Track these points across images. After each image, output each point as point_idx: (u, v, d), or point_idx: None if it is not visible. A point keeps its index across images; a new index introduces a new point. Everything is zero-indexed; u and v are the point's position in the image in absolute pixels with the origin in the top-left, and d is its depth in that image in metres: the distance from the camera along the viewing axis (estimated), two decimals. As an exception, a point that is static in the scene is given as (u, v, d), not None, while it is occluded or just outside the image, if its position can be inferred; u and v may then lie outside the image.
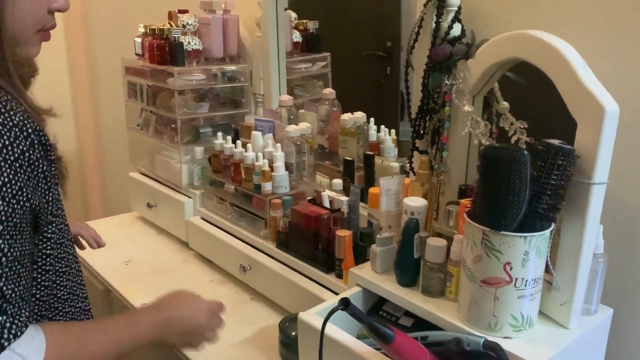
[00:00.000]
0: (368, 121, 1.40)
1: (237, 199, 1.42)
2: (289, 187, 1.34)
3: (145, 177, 1.77)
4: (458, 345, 0.80)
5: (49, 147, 0.67)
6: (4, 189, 0.60)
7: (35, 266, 0.72)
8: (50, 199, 0.69)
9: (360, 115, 1.40)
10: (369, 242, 1.10)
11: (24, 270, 0.65)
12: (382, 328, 0.76)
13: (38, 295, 0.74)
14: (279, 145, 1.36)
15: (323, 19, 1.63)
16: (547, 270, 0.84)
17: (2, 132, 0.61)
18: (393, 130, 1.40)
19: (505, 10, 1.02)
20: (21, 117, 0.63)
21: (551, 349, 0.81)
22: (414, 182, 1.07)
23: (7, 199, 0.61)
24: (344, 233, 1.11)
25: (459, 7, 1.02)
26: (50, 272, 0.75)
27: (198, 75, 1.55)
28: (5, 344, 0.61)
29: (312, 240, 1.18)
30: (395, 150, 1.39)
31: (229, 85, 1.64)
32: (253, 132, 1.43)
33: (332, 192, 1.24)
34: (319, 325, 0.86)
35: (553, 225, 0.80)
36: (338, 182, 1.27)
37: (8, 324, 0.62)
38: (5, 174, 0.60)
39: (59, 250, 0.75)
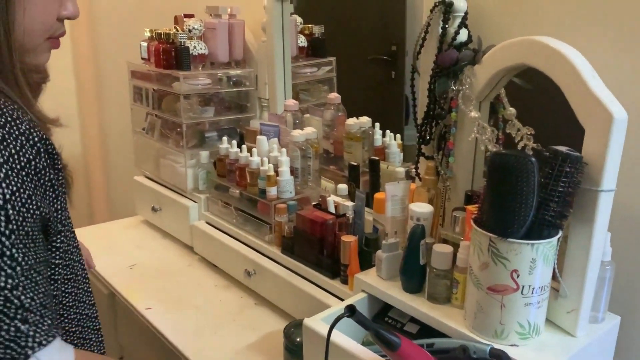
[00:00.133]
0: (373, 126, 1.40)
1: (242, 204, 1.42)
2: (294, 191, 1.34)
3: (151, 181, 1.77)
4: (464, 353, 0.80)
5: (55, 156, 0.66)
6: (13, 198, 0.60)
7: None
8: (58, 207, 0.69)
9: (365, 120, 1.40)
10: (374, 248, 1.10)
11: (41, 277, 0.64)
12: (388, 335, 0.75)
13: None
14: (284, 149, 1.36)
15: (328, 23, 1.64)
16: (554, 277, 0.83)
17: (9, 141, 0.60)
18: (398, 135, 1.40)
19: (513, 16, 1.02)
20: (27, 126, 0.63)
21: (558, 357, 0.81)
22: (420, 187, 1.07)
23: (16, 208, 0.60)
24: (349, 239, 1.10)
25: (466, 13, 1.01)
26: (59, 282, 0.74)
27: (204, 80, 1.55)
28: (30, 352, 0.61)
29: (317, 245, 1.18)
30: (400, 155, 1.39)
31: (234, 89, 1.64)
32: (258, 137, 1.43)
33: (337, 197, 1.24)
34: (324, 332, 0.86)
35: (560, 233, 0.80)
36: (343, 187, 1.27)
37: (31, 332, 0.61)
38: (13, 183, 0.60)
39: (66, 259, 0.75)
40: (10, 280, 0.60)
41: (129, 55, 1.79)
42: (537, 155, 0.78)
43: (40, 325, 0.62)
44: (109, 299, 1.49)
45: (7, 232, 0.59)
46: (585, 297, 0.83)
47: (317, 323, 0.92)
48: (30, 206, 0.62)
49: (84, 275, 0.80)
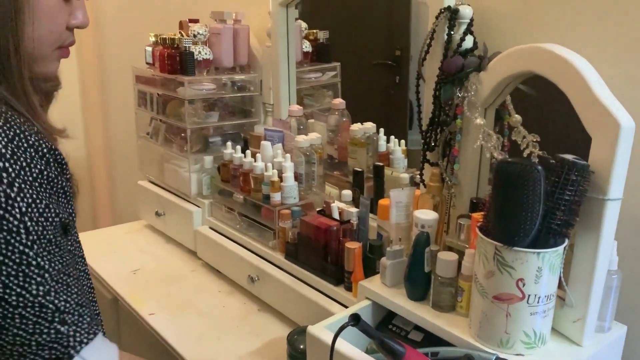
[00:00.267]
0: (378, 131, 1.39)
1: (246, 209, 1.42)
2: (298, 197, 1.33)
3: (154, 186, 1.77)
4: (469, 362, 0.79)
5: (64, 165, 0.67)
6: (30, 209, 0.61)
7: None
8: (70, 211, 0.70)
9: (370, 125, 1.40)
10: (378, 255, 1.09)
11: (71, 279, 0.66)
12: (393, 344, 0.75)
13: None
14: (288, 155, 1.36)
15: (332, 28, 1.64)
16: (560, 286, 0.82)
17: (18, 154, 0.61)
18: (403, 141, 1.39)
19: (518, 22, 1.02)
20: (36, 138, 0.64)
21: (564, 367, 0.80)
22: (425, 194, 1.07)
23: (35, 219, 0.61)
24: (353, 245, 1.10)
25: (471, 19, 1.01)
26: None
27: (208, 85, 1.55)
28: (72, 351, 0.64)
29: (321, 251, 1.18)
30: (405, 161, 1.38)
31: (238, 94, 1.64)
32: (262, 142, 1.43)
33: (341, 203, 1.24)
34: (328, 340, 0.85)
35: (567, 241, 0.79)
36: (347, 193, 1.26)
37: (72, 332, 0.64)
38: (28, 195, 0.61)
39: None
40: (41, 287, 0.62)
41: (133, 60, 1.79)
42: (543, 163, 0.78)
43: (79, 324, 0.65)
44: (112, 304, 1.49)
45: (29, 243, 0.61)
46: (592, 306, 0.83)
47: (321, 331, 0.92)
48: (49, 214, 0.63)
49: (89, 285, 0.81)
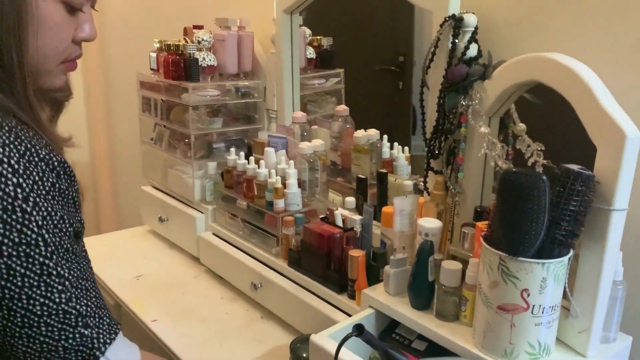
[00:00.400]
0: (381, 137, 1.39)
1: (249, 216, 1.42)
2: (302, 204, 1.33)
3: (158, 191, 1.77)
4: (473, 373, 0.79)
5: (72, 177, 0.68)
6: (46, 222, 0.63)
7: None
8: (79, 218, 0.72)
9: (373, 132, 1.40)
10: (382, 263, 1.09)
11: (90, 283, 0.69)
12: (397, 355, 0.74)
13: None
14: (291, 162, 1.36)
15: (336, 34, 1.64)
16: (564, 296, 0.82)
17: (31, 169, 0.62)
18: (406, 148, 1.39)
19: (523, 31, 1.02)
20: (46, 151, 0.65)
21: (569, 378, 0.79)
22: (429, 202, 1.06)
23: (51, 230, 0.63)
24: (357, 253, 1.10)
25: (476, 28, 1.01)
26: None
27: (212, 91, 1.56)
28: (97, 353, 0.67)
29: (324, 259, 1.17)
30: (408, 168, 1.38)
31: (242, 101, 1.64)
32: (266, 149, 1.43)
33: (344, 210, 1.23)
34: (332, 349, 0.85)
35: (571, 252, 0.79)
36: (351, 200, 1.26)
37: (95, 334, 0.68)
38: (43, 208, 0.63)
39: None
40: (63, 295, 0.65)
41: (138, 66, 1.79)
42: (548, 173, 0.78)
43: (101, 326, 0.69)
44: (115, 310, 1.49)
45: (48, 254, 0.63)
46: (597, 316, 0.82)
47: (325, 340, 0.92)
48: (63, 225, 0.65)
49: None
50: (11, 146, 0.61)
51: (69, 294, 0.65)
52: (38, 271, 0.62)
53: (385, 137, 1.39)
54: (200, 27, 1.62)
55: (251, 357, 1.18)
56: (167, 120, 1.66)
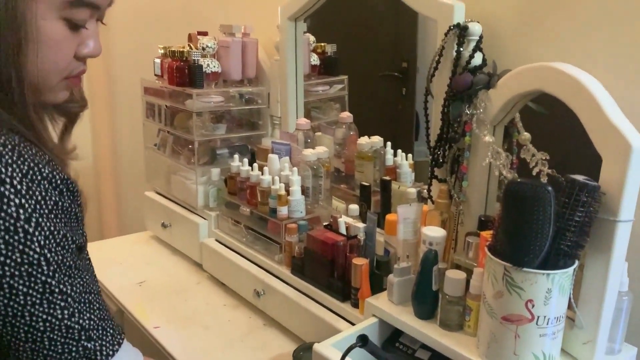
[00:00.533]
0: (385, 144, 1.39)
1: (252, 222, 1.42)
2: (305, 211, 1.33)
3: (161, 197, 1.77)
4: (477, 384, 0.78)
5: (76, 193, 0.68)
6: (48, 241, 0.63)
7: None
8: (82, 232, 0.71)
9: (377, 139, 1.39)
10: (385, 271, 1.08)
11: (93, 296, 0.69)
12: (400, 365, 0.74)
13: None
14: (295, 168, 1.36)
15: (340, 40, 1.64)
16: (569, 307, 0.81)
17: (33, 189, 0.62)
18: (410, 155, 1.39)
19: (528, 40, 1.02)
20: (49, 169, 0.64)
21: (574, 390, 0.79)
22: (433, 211, 1.06)
23: (53, 249, 0.64)
24: (360, 262, 1.09)
25: (481, 36, 1.01)
26: None
27: (216, 97, 1.56)
28: None
29: (327, 267, 1.17)
30: (412, 175, 1.38)
31: (246, 107, 1.65)
32: (270, 155, 1.43)
33: (348, 218, 1.23)
34: (335, 358, 0.85)
35: (577, 263, 0.78)
36: (354, 207, 1.26)
37: (98, 347, 0.68)
38: (45, 228, 0.63)
39: None
40: (65, 311, 0.65)
41: (142, 72, 1.80)
42: (553, 183, 0.77)
43: (104, 338, 0.69)
44: (117, 316, 1.48)
45: (50, 273, 0.63)
46: (602, 328, 0.82)
47: (328, 349, 0.91)
48: (66, 243, 0.65)
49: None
50: (14, 166, 0.61)
51: (71, 309, 0.66)
52: (40, 289, 0.63)
53: (389, 144, 1.39)
54: (204, 34, 1.62)
55: (254, 364, 1.17)
56: (171, 126, 1.66)
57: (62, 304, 0.65)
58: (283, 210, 1.31)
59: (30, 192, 0.62)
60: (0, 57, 0.63)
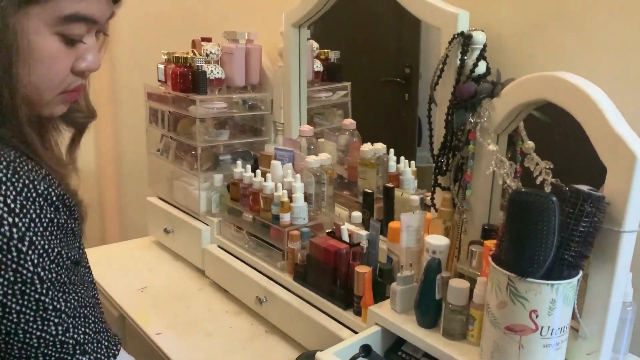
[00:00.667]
0: (388, 151, 1.39)
1: (255, 229, 1.42)
2: (308, 218, 1.33)
3: (164, 203, 1.77)
4: (481, 395, 0.78)
5: (72, 208, 0.68)
6: (41, 260, 0.63)
7: None
8: (79, 245, 0.71)
9: (380, 146, 1.39)
10: (388, 279, 1.08)
11: (88, 310, 0.69)
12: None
13: None
14: (298, 175, 1.35)
15: (342, 46, 1.64)
16: (573, 317, 0.81)
17: (28, 206, 0.61)
18: (413, 162, 1.39)
19: (532, 49, 1.02)
20: (45, 185, 0.64)
21: (578, 401, 0.78)
22: (436, 219, 1.06)
23: (47, 267, 0.63)
24: (363, 270, 1.09)
25: (485, 45, 1.01)
26: None
27: (219, 104, 1.56)
28: None
29: (330, 274, 1.17)
30: (415, 182, 1.38)
31: (249, 113, 1.65)
32: (273, 162, 1.43)
33: (351, 225, 1.23)
34: (338, 368, 0.84)
35: (581, 273, 0.78)
36: (357, 215, 1.25)
37: (93, 359, 0.68)
38: (39, 247, 0.62)
39: None
40: (60, 327, 0.65)
41: (145, 77, 1.80)
42: (557, 192, 0.77)
43: (99, 351, 0.69)
44: (119, 322, 1.48)
45: (44, 291, 0.63)
46: (606, 338, 0.81)
47: (331, 358, 0.91)
48: (60, 259, 0.65)
49: (95, 295, 0.80)
50: (8, 184, 0.60)
51: (65, 325, 0.65)
52: (34, 307, 0.62)
53: (392, 150, 1.39)
54: (208, 40, 1.62)
55: (255, 372, 1.17)
56: (174, 131, 1.66)
57: (56, 320, 0.64)
58: (286, 217, 1.31)
59: (25, 211, 0.61)
60: None
